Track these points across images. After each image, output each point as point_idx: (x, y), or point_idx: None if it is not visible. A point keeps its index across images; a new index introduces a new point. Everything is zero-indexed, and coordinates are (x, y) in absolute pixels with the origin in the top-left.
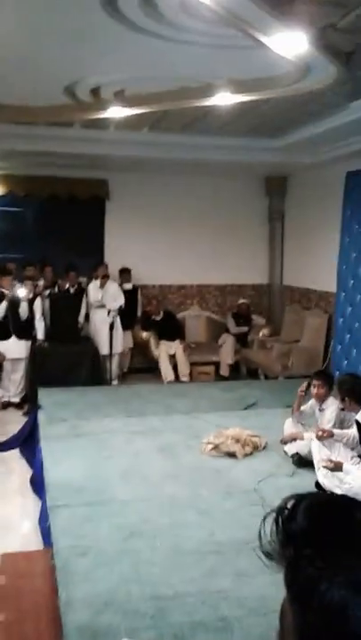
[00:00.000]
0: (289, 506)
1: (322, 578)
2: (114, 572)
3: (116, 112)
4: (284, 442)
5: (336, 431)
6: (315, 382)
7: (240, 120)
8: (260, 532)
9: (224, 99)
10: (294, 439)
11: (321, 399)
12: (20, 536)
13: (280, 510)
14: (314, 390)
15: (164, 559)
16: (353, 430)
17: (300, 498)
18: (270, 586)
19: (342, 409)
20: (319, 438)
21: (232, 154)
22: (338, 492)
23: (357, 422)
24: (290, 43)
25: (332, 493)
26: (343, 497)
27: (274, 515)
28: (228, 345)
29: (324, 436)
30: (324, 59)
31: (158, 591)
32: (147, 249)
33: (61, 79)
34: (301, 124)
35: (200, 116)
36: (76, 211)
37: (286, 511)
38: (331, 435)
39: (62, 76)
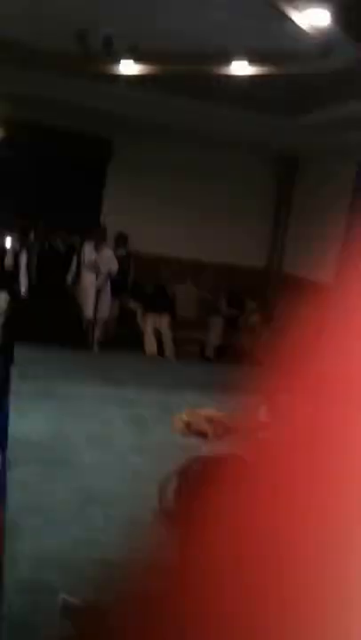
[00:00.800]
0: None
1: None
2: (64, 534)
3: (127, 68)
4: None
5: None
6: None
7: (256, 93)
8: None
9: (242, 68)
10: None
11: None
12: None
13: None
14: None
15: (118, 528)
16: None
17: None
18: None
19: None
20: None
21: (241, 128)
22: None
23: None
24: (313, 16)
25: None
26: None
27: None
28: (216, 326)
29: None
30: (346, 38)
31: (106, 557)
32: (145, 219)
33: (74, 22)
34: (320, 105)
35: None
36: (77, 167)
37: None
38: None
39: (75, 19)
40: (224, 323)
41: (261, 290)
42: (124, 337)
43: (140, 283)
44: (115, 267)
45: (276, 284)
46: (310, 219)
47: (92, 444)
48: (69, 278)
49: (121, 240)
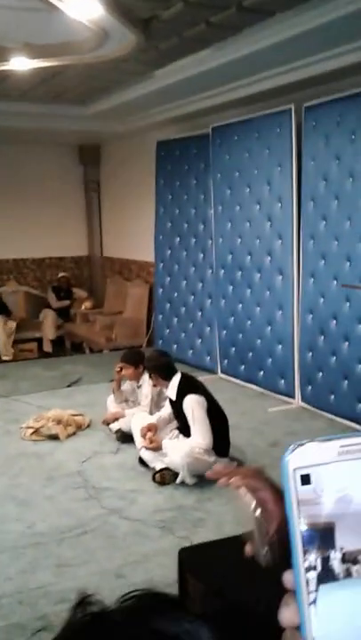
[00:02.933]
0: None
1: None
2: None
3: None
4: (107, 423)
5: (156, 418)
6: (119, 365)
7: (43, 86)
8: None
9: (21, 63)
10: (116, 419)
11: (133, 378)
12: None
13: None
14: (123, 373)
15: None
16: (165, 409)
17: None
18: (94, 575)
19: (154, 385)
20: (148, 449)
21: (37, 121)
22: (160, 465)
23: (170, 398)
24: (84, 7)
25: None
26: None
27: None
28: (49, 320)
29: (152, 446)
30: (122, 25)
31: None
32: None
33: None
34: (109, 92)
35: None
36: None
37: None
38: (158, 445)
39: None
40: (56, 315)
41: (88, 277)
42: None
43: None
44: None
45: (101, 269)
46: (121, 200)
47: None
48: None
49: None
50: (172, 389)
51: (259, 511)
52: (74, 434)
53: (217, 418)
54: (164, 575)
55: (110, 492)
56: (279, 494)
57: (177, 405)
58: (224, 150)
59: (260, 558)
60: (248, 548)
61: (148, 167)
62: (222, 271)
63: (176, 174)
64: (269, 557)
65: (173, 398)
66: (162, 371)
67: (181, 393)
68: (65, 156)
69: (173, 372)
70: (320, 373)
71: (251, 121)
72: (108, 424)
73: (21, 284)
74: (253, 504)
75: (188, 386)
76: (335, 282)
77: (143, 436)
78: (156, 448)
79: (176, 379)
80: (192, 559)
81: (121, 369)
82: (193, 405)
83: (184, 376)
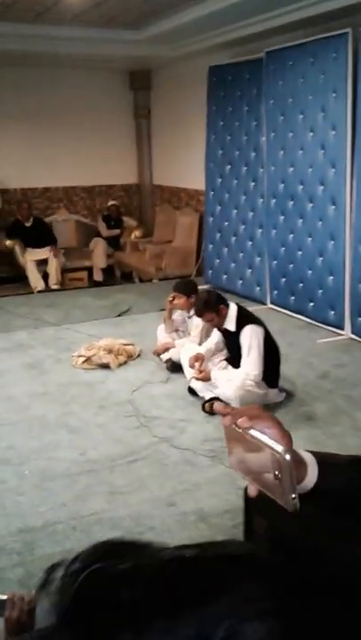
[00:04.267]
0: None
1: None
2: None
3: None
4: (157, 353)
5: (204, 349)
6: (172, 295)
7: (95, 10)
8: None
9: None
10: (167, 349)
11: (185, 308)
12: None
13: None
14: (175, 302)
15: (32, 487)
16: (212, 338)
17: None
18: (146, 503)
19: (211, 322)
20: (198, 379)
21: (89, 46)
22: (209, 395)
23: (226, 329)
24: None
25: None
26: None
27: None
28: (99, 249)
29: (201, 376)
30: None
31: (26, 523)
32: (4, 148)
33: None
34: (160, 16)
35: (50, 5)
36: None
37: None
38: (207, 375)
39: None
40: (106, 244)
41: (138, 205)
42: (5, 278)
43: (16, 218)
44: None
45: (151, 198)
46: (172, 127)
47: None
48: None
49: None
50: (230, 320)
51: (289, 455)
52: (125, 363)
53: (270, 349)
54: (213, 505)
55: (160, 420)
56: (283, 429)
57: (234, 336)
58: (278, 76)
59: (289, 504)
60: (252, 490)
61: (200, 93)
62: (274, 200)
63: (228, 100)
64: (298, 502)
65: (233, 329)
66: (216, 303)
67: (240, 323)
68: (115, 82)
69: (226, 302)
70: None
71: (306, 45)
72: (158, 354)
73: (72, 212)
74: (281, 448)
75: (246, 316)
76: None
77: (191, 366)
78: (206, 378)
79: (233, 310)
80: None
81: (173, 298)
82: (252, 335)
83: (240, 308)
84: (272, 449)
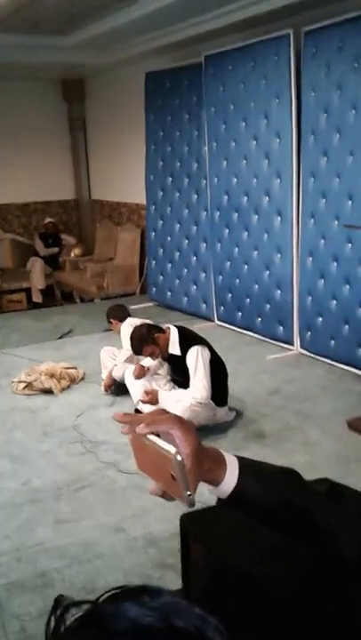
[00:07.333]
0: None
1: None
2: None
3: None
4: (107, 387)
5: (144, 363)
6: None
7: (19, 15)
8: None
9: None
10: (114, 382)
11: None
12: None
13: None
14: (114, 328)
15: None
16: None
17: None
18: (94, 530)
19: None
20: (137, 377)
21: (15, 54)
22: None
23: (171, 354)
24: None
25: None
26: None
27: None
28: (37, 269)
29: (140, 374)
30: None
31: None
32: None
33: None
34: (91, 20)
35: None
36: None
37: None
38: (144, 370)
39: None
40: (44, 263)
41: (76, 222)
42: None
43: None
44: None
45: (90, 214)
46: (109, 139)
47: None
48: None
49: None
50: (173, 345)
51: (179, 456)
52: (68, 387)
53: (216, 368)
54: (163, 529)
55: (107, 445)
56: (183, 422)
57: (181, 360)
58: (218, 81)
59: (185, 500)
60: (153, 487)
61: (137, 102)
62: (218, 213)
63: (167, 108)
64: (193, 498)
65: (178, 353)
66: (150, 333)
67: (184, 346)
68: (47, 93)
69: (162, 329)
70: (320, 318)
71: (246, 48)
72: (108, 388)
73: (6, 231)
74: (173, 450)
75: (189, 338)
76: (336, 222)
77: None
78: (153, 400)
79: (174, 333)
80: (194, 523)
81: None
82: (198, 357)
83: (180, 329)
84: (164, 450)
